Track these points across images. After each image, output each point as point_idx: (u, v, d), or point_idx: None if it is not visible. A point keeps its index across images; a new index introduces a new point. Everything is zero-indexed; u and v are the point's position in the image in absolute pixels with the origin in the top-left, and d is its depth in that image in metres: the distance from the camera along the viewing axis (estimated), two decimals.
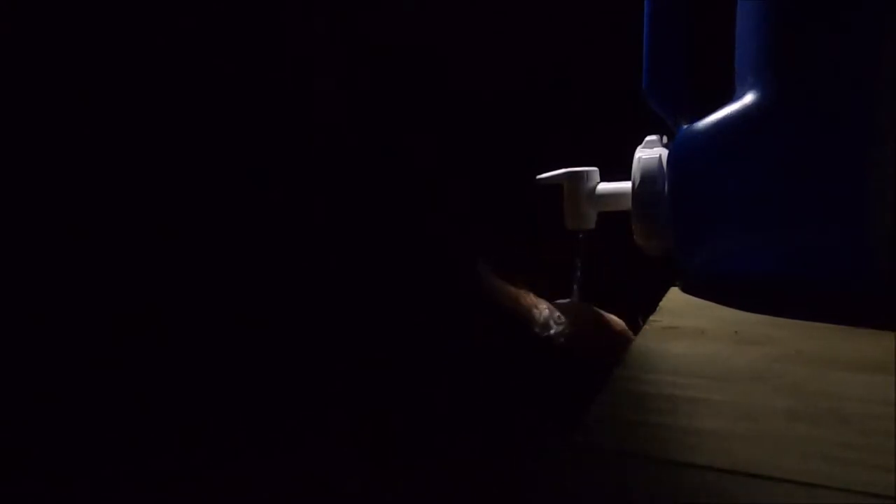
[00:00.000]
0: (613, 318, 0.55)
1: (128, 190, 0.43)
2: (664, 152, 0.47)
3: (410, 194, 0.39)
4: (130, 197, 0.43)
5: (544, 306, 0.52)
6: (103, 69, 0.37)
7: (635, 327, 0.53)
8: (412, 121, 0.39)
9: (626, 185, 0.50)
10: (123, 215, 0.43)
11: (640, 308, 0.45)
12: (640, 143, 0.50)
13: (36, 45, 0.36)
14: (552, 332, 0.51)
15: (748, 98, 0.42)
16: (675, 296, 0.46)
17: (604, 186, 0.54)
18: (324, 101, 0.35)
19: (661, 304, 0.44)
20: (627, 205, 0.49)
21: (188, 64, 0.34)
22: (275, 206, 0.40)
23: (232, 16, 0.33)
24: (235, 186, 0.41)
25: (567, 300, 0.58)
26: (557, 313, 0.52)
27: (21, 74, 0.37)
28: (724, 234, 0.44)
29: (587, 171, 0.54)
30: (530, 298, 0.52)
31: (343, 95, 0.35)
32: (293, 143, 0.36)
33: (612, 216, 0.54)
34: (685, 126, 0.45)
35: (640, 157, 0.48)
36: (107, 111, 0.39)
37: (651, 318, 0.42)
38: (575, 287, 0.57)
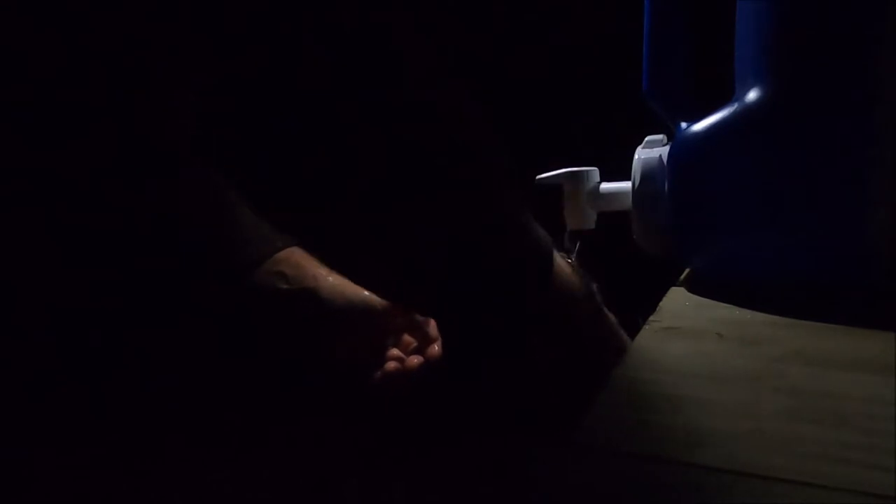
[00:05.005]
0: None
1: (127, 190, 0.43)
2: (664, 152, 0.47)
3: (415, 193, 0.38)
4: (129, 197, 0.43)
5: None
6: (101, 67, 0.37)
7: (635, 327, 0.53)
8: (419, 118, 0.38)
9: (626, 185, 0.50)
10: (124, 215, 0.43)
11: (640, 308, 0.45)
12: (640, 143, 0.50)
13: (34, 45, 0.36)
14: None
15: (748, 98, 0.42)
16: (675, 296, 0.46)
17: (604, 186, 0.54)
18: (328, 97, 0.35)
19: (661, 304, 0.44)
20: (627, 205, 0.49)
21: (189, 64, 0.34)
22: (273, 211, 0.39)
23: (229, 16, 0.33)
24: (235, 186, 0.41)
25: None
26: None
27: (19, 74, 0.37)
28: (723, 233, 0.44)
29: (587, 171, 0.54)
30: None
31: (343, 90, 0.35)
32: (295, 143, 0.35)
33: (612, 216, 0.54)
34: (685, 126, 0.45)
35: (640, 157, 0.48)
36: (105, 109, 0.39)
37: (651, 318, 0.42)
38: None
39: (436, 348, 0.53)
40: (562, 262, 0.45)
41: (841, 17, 0.40)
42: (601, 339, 0.46)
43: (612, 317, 0.48)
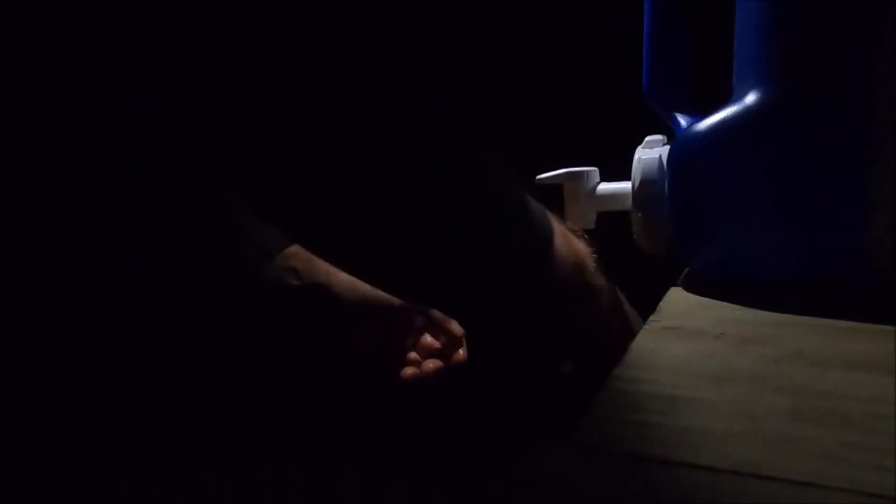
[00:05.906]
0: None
1: (129, 190, 0.43)
2: (664, 152, 0.47)
3: (415, 191, 0.38)
4: (128, 198, 0.43)
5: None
6: (101, 67, 0.37)
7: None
8: (419, 116, 0.38)
9: (626, 185, 0.50)
10: (126, 214, 0.43)
11: (640, 308, 0.45)
12: (641, 143, 0.50)
13: (35, 45, 0.36)
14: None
15: (748, 98, 0.42)
16: (675, 296, 0.46)
17: (604, 186, 0.54)
18: (325, 94, 0.35)
19: (661, 304, 0.44)
20: (627, 205, 0.49)
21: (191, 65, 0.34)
22: (274, 211, 0.39)
23: (229, 16, 0.33)
24: (236, 187, 0.41)
25: None
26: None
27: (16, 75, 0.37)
28: (723, 233, 0.44)
29: (587, 171, 0.54)
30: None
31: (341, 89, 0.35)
32: (295, 143, 0.35)
33: (612, 216, 0.54)
34: (685, 126, 0.45)
35: (640, 157, 0.48)
36: (105, 110, 0.39)
37: (651, 318, 0.42)
38: None
39: (461, 353, 0.52)
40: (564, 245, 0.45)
41: (841, 17, 0.40)
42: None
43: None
